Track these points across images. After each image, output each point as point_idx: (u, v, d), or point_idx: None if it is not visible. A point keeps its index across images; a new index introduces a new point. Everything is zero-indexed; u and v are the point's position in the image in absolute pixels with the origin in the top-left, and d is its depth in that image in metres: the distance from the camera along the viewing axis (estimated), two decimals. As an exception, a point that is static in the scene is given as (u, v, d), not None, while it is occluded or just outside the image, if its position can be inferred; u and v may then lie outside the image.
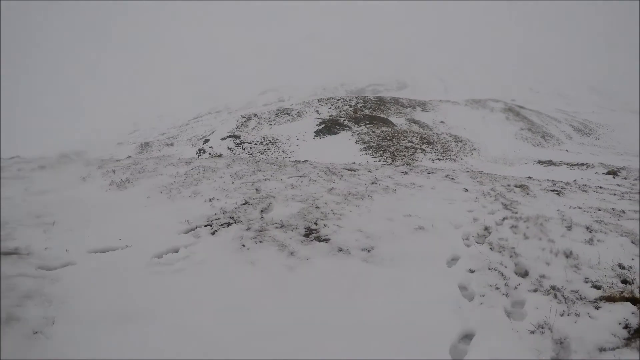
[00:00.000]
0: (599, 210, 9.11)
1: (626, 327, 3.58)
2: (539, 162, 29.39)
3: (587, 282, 4.59)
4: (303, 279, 4.59)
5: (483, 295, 4.25)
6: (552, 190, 11.51)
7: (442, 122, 45.34)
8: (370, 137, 33.92)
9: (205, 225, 6.39)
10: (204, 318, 3.83)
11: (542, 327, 3.66)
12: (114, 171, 11.29)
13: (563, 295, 4.22)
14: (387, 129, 36.93)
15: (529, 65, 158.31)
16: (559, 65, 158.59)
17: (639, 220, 8.00)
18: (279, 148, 34.17)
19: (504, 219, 6.99)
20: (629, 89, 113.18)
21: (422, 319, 3.86)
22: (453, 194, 9.19)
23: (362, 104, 46.66)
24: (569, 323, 3.70)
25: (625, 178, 20.32)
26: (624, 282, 4.62)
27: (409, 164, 26.84)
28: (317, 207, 6.81)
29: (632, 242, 6.05)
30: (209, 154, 34.76)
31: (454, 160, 30.67)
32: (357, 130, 36.24)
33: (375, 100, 49.78)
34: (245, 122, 41.64)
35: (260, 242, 5.53)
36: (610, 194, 12.41)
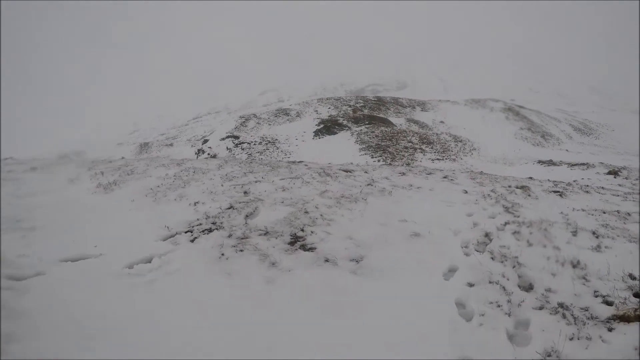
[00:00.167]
0: (604, 212, 8.64)
1: (645, 353, 3.11)
2: (539, 161, 28.92)
3: (597, 297, 4.14)
4: (282, 294, 4.12)
5: (482, 315, 3.77)
6: (554, 192, 11.03)
7: (441, 122, 44.83)
8: (370, 137, 33.44)
9: (186, 232, 5.96)
10: (164, 341, 3.36)
11: (550, 355, 3.19)
12: (102, 173, 10.93)
13: (572, 315, 3.75)
14: (386, 129, 36.44)
15: (529, 65, 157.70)
16: (559, 65, 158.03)
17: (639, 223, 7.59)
18: (278, 148, 33.71)
19: (505, 223, 6.49)
20: (629, 89, 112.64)
21: (412, 345, 3.38)
22: (452, 196, 8.71)
23: (362, 104, 46.17)
24: (579, 349, 3.24)
25: (626, 178, 19.93)
26: (636, 295, 4.16)
27: (408, 164, 26.39)
28: (306, 212, 6.34)
29: (642, 249, 5.59)
30: (208, 154, 34.33)
31: (454, 160, 30.18)
32: (356, 130, 35.77)
33: (374, 100, 49.28)
34: (244, 122, 41.18)
35: (241, 250, 5.08)
36: (613, 194, 11.95)
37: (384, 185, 9.19)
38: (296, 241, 5.31)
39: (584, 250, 5.57)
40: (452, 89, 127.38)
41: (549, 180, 15.38)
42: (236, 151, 33.73)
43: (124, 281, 4.46)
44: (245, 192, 7.89)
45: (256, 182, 8.81)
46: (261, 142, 35.13)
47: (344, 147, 31.77)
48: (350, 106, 44.76)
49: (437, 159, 29.75)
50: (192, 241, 5.58)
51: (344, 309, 3.83)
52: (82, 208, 7.98)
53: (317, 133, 36.29)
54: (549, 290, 4.27)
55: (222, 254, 5.03)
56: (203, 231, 5.86)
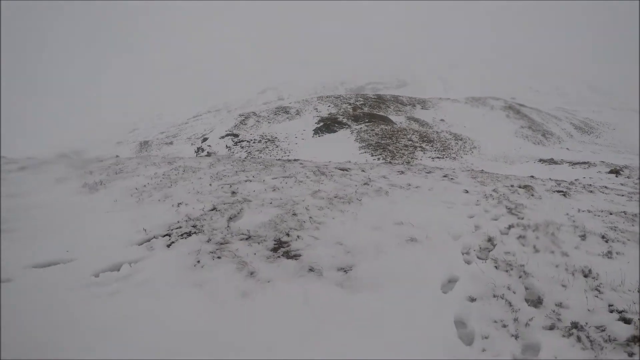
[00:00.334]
0: (610, 214, 8.16)
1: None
2: (540, 160, 28.43)
3: (612, 312, 3.65)
4: (257, 310, 3.60)
5: (486, 337, 3.25)
6: (558, 191, 10.54)
7: (442, 120, 44.29)
8: (370, 135, 32.95)
9: (164, 235, 5.45)
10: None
11: (566, 390, 2.68)
12: (91, 172, 10.45)
13: (588, 337, 3.24)
14: (386, 127, 35.93)
15: (529, 65, 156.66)
16: (559, 64, 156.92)
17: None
18: (277, 147, 33.25)
19: (509, 227, 5.97)
20: (629, 88, 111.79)
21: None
22: (452, 196, 8.21)
23: (362, 102, 45.64)
24: (599, 381, 2.73)
25: (628, 177, 19.62)
26: (655, 309, 3.69)
27: (408, 163, 25.91)
28: (294, 214, 5.81)
29: (657, 254, 5.11)
30: (207, 152, 33.89)
31: (454, 158, 29.67)
32: (356, 129, 35.27)
33: (374, 98, 48.72)
34: (243, 120, 40.71)
35: (219, 257, 4.56)
36: (617, 194, 11.48)
37: (380, 185, 8.69)
38: (280, 247, 4.80)
39: (594, 257, 5.09)
40: (452, 87, 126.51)
41: (550, 179, 14.90)
42: (236, 149, 33.29)
43: (88, 291, 3.98)
44: (233, 192, 7.39)
45: (246, 181, 8.31)
46: (261, 141, 34.67)
47: (343, 146, 31.32)
48: (350, 104, 44.24)
49: (438, 158, 29.26)
50: (168, 246, 5.08)
51: (327, 330, 3.31)
52: (63, 209, 7.50)
53: (317, 131, 35.82)
54: (559, 305, 3.77)
55: (198, 261, 4.53)
56: (182, 235, 5.36)
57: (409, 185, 9.10)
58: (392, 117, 41.41)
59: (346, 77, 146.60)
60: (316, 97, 48.81)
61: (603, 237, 5.99)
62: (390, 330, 3.32)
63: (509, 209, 7.33)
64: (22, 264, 4.62)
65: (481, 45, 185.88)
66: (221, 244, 4.91)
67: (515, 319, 3.49)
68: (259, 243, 4.89)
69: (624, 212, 8.37)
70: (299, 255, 4.56)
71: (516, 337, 3.28)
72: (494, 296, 3.83)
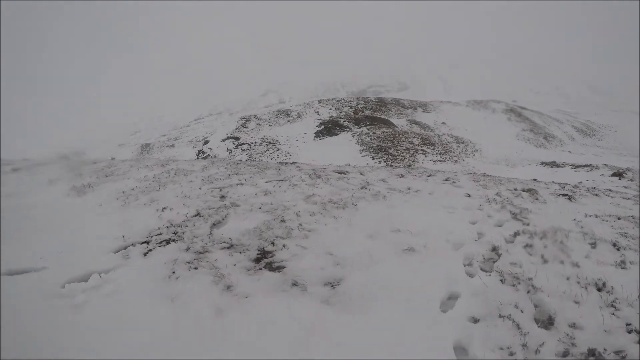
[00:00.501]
0: (619, 218, 7.69)
1: None
2: (543, 163, 27.93)
3: (630, 332, 3.22)
4: (232, 329, 3.14)
5: (492, 369, 2.80)
6: (563, 195, 10.06)
7: (443, 123, 43.82)
8: (371, 139, 32.52)
9: (142, 242, 5.02)
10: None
11: None
12: (81, 175, 10.09)
13: (610, 367, 2.78)
14: (387, 130, 35.50)
15: (529, 65, 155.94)
16: (559, 64, 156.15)
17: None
18: (278, 149, 32.86)
19: (515, 234, 5.49)
20: (628, 89, 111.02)
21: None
22: (453, 201, 7.72)
23: (363, 105, 45.20)
24: None
25: (631, 180, 19.19)
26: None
27: (409, 166, 25.47)
28: (283, 221, 5.35)
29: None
30: (208, 155, 33.51)
31: (456, 161, 29.20)
32: (357, 132, 34.85)
33: (376, 101, 48.28)
34: (245, 123, 40.33)
35: (195, 268, 4.12)
36: (623, 197, 11.00)
37: (379, 189, 8.23)
38: (263, 257, 4.34)
39: (606, 267, 4.62)
40: (454, 90, 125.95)
41: (554, 182, 14.46)
42: (236, 152, 32.91)
43: (48, 304, 3.58)
44: (222, 197, 6.95)
45: (238, 185, 7.87)
46: (261, 143, 34.29)
47: (344, 149, 30.94)
48: (351, 107, 43.83)
49: (439, 161, 28.82)
50: (145, 254, 4.66)
51: (304, 356, 2.85)
52: (47, 212, 7.13)
53: (318, 134, 35.43)
54: (573, 325, 3.31)
55: (173, 272, 4.09)
56: (161, 242, 4.93)
57: (409, 189, 8.64)
58: (394, 120, 40.97)
59: (347, 79, 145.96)
60: (317, 100, 48.39)
61: (614, 244, 5.54)
62: (380, 358, 2.86)
63: (513, 214, 6.86)
64: (-4, 271, 4.24)
65: (481, 45, 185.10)
66: (200, 253, 4.46)
67: (524, 345, 3.02)
68: (241, 252, 4.44)
69: (632, 216, 7.91)
70: (283, 267, 4.10)
71: (526, 367, 2.82)
72: (500, 316, 3.36)
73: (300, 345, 2.96)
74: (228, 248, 4.58)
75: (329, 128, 36.08)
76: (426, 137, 35.43)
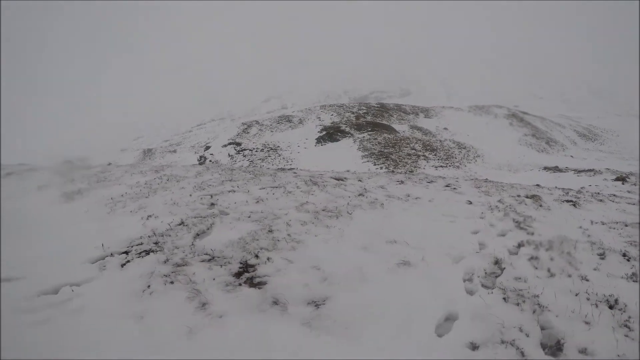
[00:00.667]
0: (626, 225, 7.32)
1: None
2: (545, 168, 27.50)
3: (648, 356, 2.84)
4: (198, 353, 2.79)
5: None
6: (567, 201, 9.68)
7: (445, 128, 43.41)
8: (372, 144, 32.16)
9: (122, 253, 4.70)
10: None
11: None
12: (72, 180, 9.82)
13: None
14: (389, 136, 35.13)
15: (530, 68, 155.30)
16: (559, 64, 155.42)
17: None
18: (279, 155, 32.54)
19: (519, 245, 5.11)
20: (629, 90, 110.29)
21: None
22: (454, 208, 7.35)
23: (365, 111, 44.88)
24: None
25: (634, 184, 18.83)
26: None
27: (411, 172, 25.09)
28: (270, 231, 4.99)
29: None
30: (210, 160, 33.24)
31: (458, 167, 28.80)
32: (359, 137, 34.50)
33: (377, 107, 47.95)
34: (246, 129, 40.06)
35: (172, 282, 3.77)
36: (629, 203, 10.61)
37: (376, 196, 7.86)
38: (245, 271, 3.97)
39: (617, 280, 4.24)
40: (455, 95, 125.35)
41: (557, 187, 14.10)
42: (238, 158, 32.63)
43: (11, 319, 3.29)
44: (212, 204, 6.61)
45: (230, 191, 7.53)
46: (263, 149, 34.00)
47: (346, 154, 30.59)
48: (353, 113, 43.51)
49: (441, 166, 28.42)
50: (122, 265, 4.34)
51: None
52: (32, 219, 6.87)
53: (320, 140, 35.09)
54: (584, 351, 2.93)
55: (148, 286, 3.75)
56: (140, 253, 4.59)
57: (408, 196, 8.28)
58: (395, 126, 40.61)
59: (349, 85, 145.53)
60: (319, 106, 48.10)
61: (624, 255, 5.17)
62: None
63: (516, 222, 6.49)
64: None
65: (481, 45, 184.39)
66: (179, 265, 4.11)
67: (531, 377, 2.65)
68: (222, 266, 4.07)
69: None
70: (265, 283, 3.72)
71: (534, 406, 2.44)
72: (502, 342, 2.96)
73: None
74: (209, 260, 4.22)
75: (331, 134, 35.74)
76: (428, 142, 35.04)
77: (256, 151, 33.67)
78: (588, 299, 3.70)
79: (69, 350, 2.89)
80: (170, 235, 5.06)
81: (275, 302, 3.40)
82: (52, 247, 5.14)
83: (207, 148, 37.33)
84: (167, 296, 3.58)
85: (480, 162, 31.35)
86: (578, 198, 10.56)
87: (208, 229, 5.18)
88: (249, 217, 5.72)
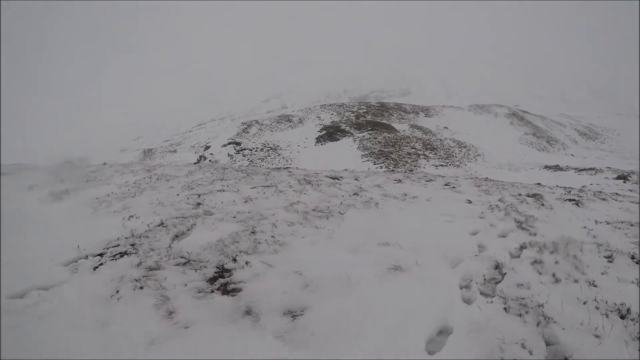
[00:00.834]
0: (632, 225, 6.93)
1: None
2: (546, 167, 27.10)
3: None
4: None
5: None
6: (569, 200, 9.29)
7: (445, 127, 43.00)
8: (372, 144, 31.76)
9: (97, 255, 4.38)
10: None
11: None
12: (62, 180, 9.51)
13: None
14: (389, 135, 34.74)
15: (529, 64, 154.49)
16: (559, 64, 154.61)
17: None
18: (279, 155, 32.18)
19: (521, 247, 4.71)
20: (629, 90, 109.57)
21: None
22: (453, 208, 6.96)
23: (365, 110, 44.48)
24: None
25: (635, 183, 18.45)
26: None
27: (411, 171, 24.71)
28: (253, 232, 4.62)
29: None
30: (209, 160, 32.92)
31: (458, 166, 28.40)
32: (358, 137, 34.12)
33: (377, 106, 47.54)
34: (246, 128, 39.71)
35: (141, 288, 3.44)
36: (632, 202, 10.23)
37: (371, 195, 7.48)
38: (221, 276, 3.61)
39: (627, 286, 3.87)
40: (456, 95, 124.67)
41: (558, 186, 13.72)
42: (238, 157, 32.30)
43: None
44: (198, 204, 6.25)
45: (219, 191, 7.17)
46: (263, 149, 33.65)
47: (346, 154, 30.21)
48: (353, 112, 43.12)
49: (441, 165, 28.03)
50: (95, 269, 4.03)
51: None
52: (16, 218, 6.56)
53: (319, 139, 34.73)
54: (596, 369, 2.57)
55: (117, 292, 3.43)
56: (114, 255, 4.26)
57: (405, 195, 7.89)
58: (396, 125, 40.21)
59: (350, 85, 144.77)
60: (319, 106, 47.68)
61: (632, 257, 4.80)
62: None
63: (518, 222, 6.10)
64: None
65: (481, 45, 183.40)
66: (151, 269, 3.76)
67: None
68: (196, 270, 3.71)
69: (646, 222, 7.16)
70: (239, 290, 3.35)
71: None
72: (503, 361, 2.60)
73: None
74: (184, 264, 3.86)
75: (331, 133, 35.36)
76: (428, 141, 34.64)
77: (256, 151, 33.32)
78: (597, 308, 3.32)
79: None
80: (148, 237, 4.71)
81: (248, 312, 3.03)
82: (29, 248, 4.85)
83: (207, 148, 37.00)
84: (135, 302, 3.25)
85: (480, 161, 30.95)
86: (580, 197, 10.17)
87: (188, 230, 4.82)
88: (234, 217, 5.35)
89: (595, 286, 3.79)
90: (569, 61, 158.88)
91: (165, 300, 3.20)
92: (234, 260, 3.85)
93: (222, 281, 3.51)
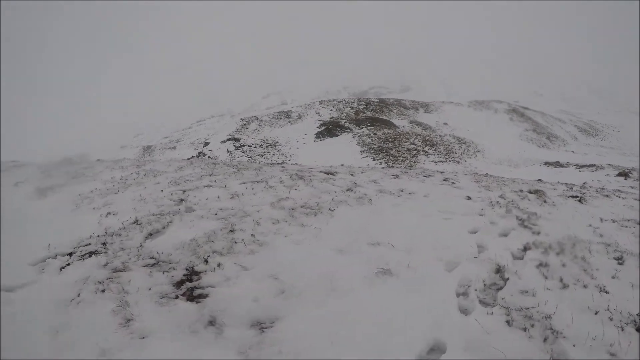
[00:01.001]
0: (638, 223, 6.50)
1: None
2: (546, 163, 26.66)
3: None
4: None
5: None
6: (572, 196, 8.84)
7: (445, 123, 42.50)
8: (372, 139, 31.32)
9: (67, 254, 4.05)
10: None
11: None
12: (50, 176, 9.18)
13: None
14: (389, 131, 34.27)
15: (529, 64, 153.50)
16: (559, 64, 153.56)
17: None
18: (278, 151, 31.78)
19: (525, 248, 4.26)
20: (629, 89, 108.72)
21: None
22: (452, 204, 6.52)
23: (364, 106, 43.97)
24: None
25: (636, 180, 17.98)
26: None
27: (410, 167, 24.31)
28: (232, 231, 4.20)
29: None
30: (208, 157, 32.52)
31: (458, 162, 27.96)
32: (358, 132, 33.66)
33: (377, 102, 47.02)
34: (245, 124, 39.25)
35: (103, 291, 3.07)
36: (635, 199, 9.78)
37: (366, 191, 7.04)
38: (189, 279, 3.21)
39: (641, 291, 3.46)
40: (456, 95, 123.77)
41: (559, 182, 13.29)
42: (237, 154, 31.90)
43: None
44: (181, 200, 5.86)
45: (206, 187, 6.76)
46: (262, 145, 33.23)
47: (345, 150, 29.80)
48: (352, 108, 42.64)
49: (441, 161, 27.60)
50: (62, 269, 3.70)
51: None
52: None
53: (319, 135, 34.28)
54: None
55: (79, 294, 3.08)
56: (83, 255, 3.91)
57: (401, 191, 7.45)
58: (395, 121, 39.73)
59: (349, 81, 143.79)
60: (318, 101, 47.15)
61: (644, 258, 4.37)
62: None
63: (520, 220, 5.67)
64: None
65: (481, 45, 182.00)
66: (117, 270, 3.38)
67: None
68: (164, 272, 3.32)
69: (652, 220, 6.73)
70: (205, 296, 2.95)
71: None
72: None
73: None
74: (152, 265, 3.47)
75: (330, 129, 34.89)
76: (428, 137, 34.18)
77: (255, 147, 32.91)
78: (611, 319, 2.91)
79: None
80: (120, 235, 4.31)
81: (212, 322, 2.63)
82: (4, 246, 4.49)
83: (206, 144, 36.60)
84: (95, 307, 2.91)
85: (480, 157, 30.50)
86: (583, 193, 9.73)
87: (164, 228, 4.41)
88: (216, 214, 4.94)
89: (606, 292, 3.38)
90: (569, 61, 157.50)
91: (125, 306, 2.82)
92: (206, 261, 3.45)
93: (189, 285, 3.12)
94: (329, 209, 5.42)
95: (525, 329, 2.66)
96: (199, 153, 34.77)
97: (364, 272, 3.38)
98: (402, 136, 33.01)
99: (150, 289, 3.06)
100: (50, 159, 11.69)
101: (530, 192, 8.43)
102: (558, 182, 13.16)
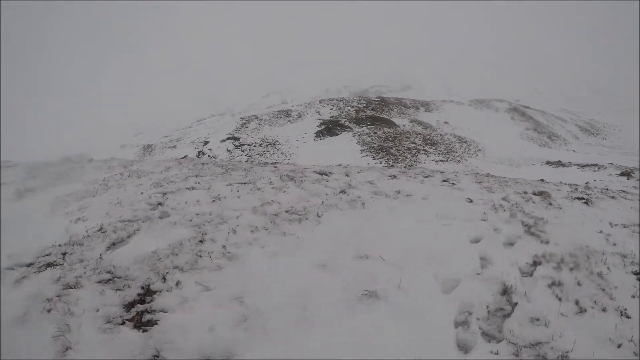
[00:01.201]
0: (651, 229, 5.96)
1: None
2: (548, 162, 26.09)
3: None
4: None
5: None
6: (578, 198, 8.30)
7: (445, 122, 41.93)
8: (372, 138, 30.79)
9: (26, 265, 3.60)
10: None
11: None
12: (34, 177, 8.74)
13: None
14: (389, 130, 33.73)
15: (530, 64, 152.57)
16: (559, 64, 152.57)
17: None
18: (278, 150, 31.30)
19: (534, 262, 3.68)
20: (629, 89, 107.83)
21: None
22: (452, 208, 5.95)
23: (364, 105, 43.41)
24: None
25: (638, 180, 17.44)
26: None
27: (411, 166, 23.80)
28: (201, 241, 3.67)
29: None
30: (208, 156, 32.09)
31: (458, 161, 27.42)
32: (358, 131, 33.13)
33: (377, 101, 46.44)
34: (245, 123, 38.77)
35: (49, 311, 2.60)
36: (640, 200, 9.26)
37: (360, 193, 6.49)
38: (142, 300, 2.73)
39: (669, 316, 2.93)
40: (456, 95, 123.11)
41: (562, 182, 12.76)
42: (236, 153, 31.45)
43: None
44: (159, 204, 5.36)
45: (188, 189, 6.25)
46: (261, 144, 32.75)
47: (345, 149, 29.32)
48: (352, 107, 42.09)
49: (441, 161, 27.07)
50: (16, 282, 3.22)
51: None
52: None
53: (318, 134, 33.77)
54: None
55: (25, 314, 2.61)
56: (41, 267, 3.43)
57: (398, 192, 6.89)
58: (395, 120, 39.18)
59: (349, 80, 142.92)
60: (318, 100, 46.58)
61: (665, 272, 3.85)
62: None
63: (526, 225, 5.14)
64: None
65: (481, 45, 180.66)
66: (68, 287, 2.91)
67: None
68: (117, 290, 2.83)
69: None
70: (155, 323, 2.46)
71: None
72: None
73: None
74: (107, 282, 2.98)
75: (330, 128, 34.37)
76: (428, 136, 33.63)
77: (254, 146, 32.43)
78: (636, 354, 2.39)
79: None
80: (82, 245, 3.81)
81: (157, 355, 2.12)
82: None
83: (206, 143, 36.15)
84: (39, 329, 2.48)
85: (481, 156, 29.95)
86: (589, 195, 9.19)
87: (129, 236, 3.89)
88: (191, 220, 4.43)
89: (628, 317, 2.86)
90: (569, 61, 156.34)
91: (66, 331, 2.35)
92: (164, 279, 2.94)
93: (140, 308, 2.63)
94: (317, 215, 4.89)
95: (539, 375, 2.14)
96: (199, 152, 34.35)
97: (345, 293, 2.86)
98: (402, 135, 32.48)
99: (98, 310, 2.59)
100: (50, 158, 11.30)
101: (534, 194, 7.89)
102: (561, 182, 12.62)
